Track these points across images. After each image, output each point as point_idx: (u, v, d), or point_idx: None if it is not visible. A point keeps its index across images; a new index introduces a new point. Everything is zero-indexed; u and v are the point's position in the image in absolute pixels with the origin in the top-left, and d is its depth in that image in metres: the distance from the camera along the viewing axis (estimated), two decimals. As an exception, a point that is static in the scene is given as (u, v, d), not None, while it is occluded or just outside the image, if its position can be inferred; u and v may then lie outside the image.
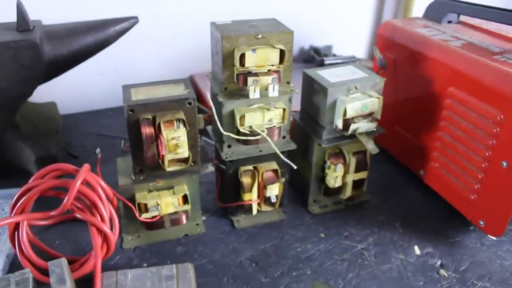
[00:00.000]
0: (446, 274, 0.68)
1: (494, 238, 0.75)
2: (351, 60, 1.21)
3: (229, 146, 0.71)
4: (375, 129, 0.72)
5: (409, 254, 0.71)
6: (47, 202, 0.66)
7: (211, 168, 0.70)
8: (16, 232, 0.66)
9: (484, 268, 0.69)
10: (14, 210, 0.65)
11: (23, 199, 0.64)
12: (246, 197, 0.72)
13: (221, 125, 0.67)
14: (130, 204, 0.68)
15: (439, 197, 0.79)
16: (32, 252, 0.66)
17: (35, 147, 0.85)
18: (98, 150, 0.72)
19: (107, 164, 0.75)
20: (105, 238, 0.65)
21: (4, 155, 0.85)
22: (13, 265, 0.68)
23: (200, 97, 1.00)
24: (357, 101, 0.68)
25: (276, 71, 0.65)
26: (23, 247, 0.65)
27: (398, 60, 0.83)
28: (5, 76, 0.77)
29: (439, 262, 0.70)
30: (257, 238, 0.73)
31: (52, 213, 0.65)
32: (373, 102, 0.69)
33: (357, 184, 0.77)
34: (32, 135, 0.88)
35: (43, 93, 0.97)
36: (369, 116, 0.71)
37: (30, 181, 0.66)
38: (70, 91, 1.10)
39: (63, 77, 0.90)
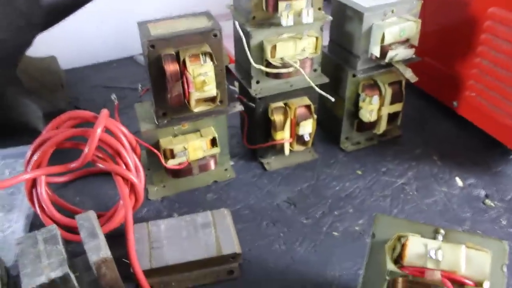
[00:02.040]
0: (492, 204, 0.65)
1: (534, 165, 0.72)
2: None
3: (258, 82, 0.65)
4: (413, 56, 0.67)
5: (452, 186, 0.68)
6: (61, 158, 0.61)
7: (239, 107, 0.65)
8: (34, 190, 0.61)
9: (529, 196, 0.66)
10: (30, 166, 0.59)
11: (38, 153, 0.59)
12: (278, 136, 0.67)
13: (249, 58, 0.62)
14: (155, 151, 0.63)
15: (473, 128, 0.75)
16: (53, 209, 0.61)
17: (42, 102, 0.79)
18: (114, 96, 0.66)
19: (121, 115, 0.69)
20: (132, 187, 0.60)
21: (6, 113, 0.79)
22: (34, 226, 0.64)
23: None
24: (395, 26, 0.63)
25: (309, -6, 0.60)
26: (43, 204, 0.61)
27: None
28: (2, 25, 0.70)
29: (483, 193, 0.67)
30: (292, 180, 0.69)
31: (73, 165, 0.59)
32: (411, 27, 0.64)
33: (391, 117, 0.72)
34: (37, 90, 0.82)
35: (41, 47, 0.91)
36: (406, 42, 0.66)
37: (43, 133, 0.60)
38: (70, 44, 1.02)
39: (61, 29, 0.83)
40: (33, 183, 0.61)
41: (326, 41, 0.73)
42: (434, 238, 0.42)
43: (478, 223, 0.62)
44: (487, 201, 0.65)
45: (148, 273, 0.54)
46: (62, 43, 0.99)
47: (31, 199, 0.61)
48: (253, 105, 0.67)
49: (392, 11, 0.64)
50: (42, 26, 0.76)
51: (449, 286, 0.39)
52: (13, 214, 0.65)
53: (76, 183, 0.71)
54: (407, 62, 0.68)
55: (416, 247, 0.41)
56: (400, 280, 0.40)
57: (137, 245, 0.57)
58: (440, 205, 0.64)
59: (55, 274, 0.47)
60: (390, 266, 0.41)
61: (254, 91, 0.65)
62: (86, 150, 0.58)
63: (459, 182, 0.68)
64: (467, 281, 0.39)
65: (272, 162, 0.72)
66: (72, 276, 0.48)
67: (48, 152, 0.60)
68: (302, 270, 0.56)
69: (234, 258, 0.56)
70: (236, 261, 0.56)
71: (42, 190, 0.61)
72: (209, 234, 0.58)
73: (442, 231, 0.43)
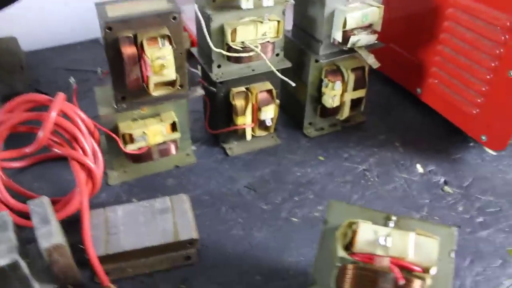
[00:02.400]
0: (451, 191, 0.65)
1: (494, 153, 0.73)
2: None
3: (219, 66, 0.64)
4: (376, 41, 0.67)
5: (412, 173, 0.68)
6: (18, 141, 0.59)
7: (200, 91, 0.64)
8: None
9: (487, 182, 0.67)
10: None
11: (-8, 135, 0.58)
12: (240, 121, 0.67)
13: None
14: (114, 135, 0.62)
15: (436, 115, 0.75)
16: (7, 194, 0.60)
17: (2, 83, 0.77)
18: (72, 79, 0.64)
19: (82, 99, 0.67)
20: (89, 173, 0.59)
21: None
22: (-13, 210, 0.62)
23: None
24: (357, 11, 0.62)
25: (271, -23, 0.59)
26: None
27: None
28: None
29: (442, 179, 0.67)
30: (253, 165, 0.69)
31: (27, 149, 0.58)
32: (374, 12, 0.64)
33: (354, 103, 0.72)
34: (-5, 71, 0.79)
35: (1, 27, 0.88)
36: (369, 28, 0.65)
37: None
38: (33, 25, 0.99)
39: (23, 9, 0.81)
40: (-13, 167, 0.59)
41: (290, 25, 0.73)
42: (385, 225, 0.42)
43: (436, 209, 0.63)
44: (446, 188, 0.66)
45: (104, 259, 0.53)
46: (24, 24, 0.96)
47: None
48: (214, 89, 0.66)
49: (355, -4, 0.63)
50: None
51: (397, 273, 0.39)
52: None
53: (34, 168, 0.69)
54: (370, 48, 0.67)
55: (366, 233, 0.41)
56: (350, 266, 0.40)
57: (94, 231, 0.56)
58: (400, 192, 0.65)
59: (4, 261, 0.46)
60: (340, 252, 0.41)
61: (215, 75, 0.64)
62: (40, 134, 0.57)
63: (419, 168, 0.69)
64: (414, 267, 0.40)
65: (234, 148, 0.72)
66: (23, 263, 0.46)
67: (2, 136, 0.59)
68: (260, 255, 0.56)
69: (191, 243, 0.55)
70: (194, 247, 0.56)
71: (-3, 174, 0.59)
72: (167, 220, 0.57)
73: (393, 218, 0.43)
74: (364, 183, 0.66)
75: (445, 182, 0.67)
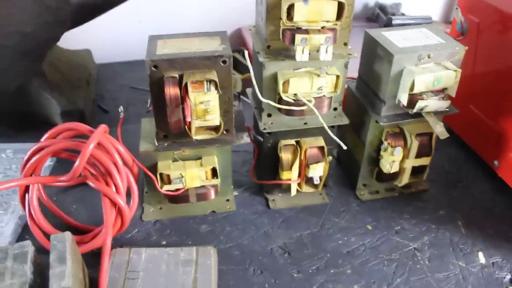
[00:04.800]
0: (517, 291, 0.56)
1: None
2: (425, 22, 1.05)
3: (269, 115, 0.60)
4: (447, 109, 0.59)
5: (472, 262, 0.59)
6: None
7: (246, 139, 0.60)
8: (26, 195, 0.60)
9: None
10: (24, 171, 0.58)
11: (34, 159, 0.57)
12: (285, 175, 0.62)
13: (261, 90, 0.57)
14: (150, 174, 0.60)
15: (513, 195, 0.66)
16: (42, 217, 0.59)
17: (61, 99, 0.78)
18: (121, 109, 0.63)
19: (137, 122, 0.65)
20: (119, 211, 0.57)
21: (29, 105, 0.79)
22: (27, 227, 0.62)
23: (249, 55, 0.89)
24: (429, 73, 0.55)
25: (332, 29, 0.53)
26: (32, 212, 0.59)
27: (483, 24, 0.68)
28: (29, 19, 0.69)
29: (508, 277, 0.58)
30: (294, 223, 0.64)
31: (62, 178, 0.57)
32: (449, 76, 0.56)
33: (416, 170, 0.65)
34: (60, 85, 0.81)
35: (77, 39, 0.90)
36: (441, 92, 0.58)
37: (42, 139, 0.59)
38: (107, 39, 1.02)
39: (100, 23, 0.82)
40: (26, 189, 0.59)
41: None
42: None
43: (494, 314, 0.54)
44: None
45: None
46: (99, 37, 0.99)
47: (23, 203, 0.60)
48: (261, 139, 0.62)
49: (429, 56, 0.56)
50: (70, 23, 0.75)
51: None
52: (6, 215, 0.64)
53: (76, 189, 0.69)
54: (441, 114, 0.60)
55: None
56: None
57: (113, 272, 0.55)
58: (453, 283, 0.56)
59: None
60: None
61: (264, 124, 0.60)
62: (75, 164, 0.56)
63: (481, 258, 0.60)
64: None
65: (277, 200, 0.67)
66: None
67: (44, 160, 0.59)
68: (279, 331, 0.51)
69: (206, 307, 0.52)
70: (209, 311, 0.52)
71: (33, 197, 0.59)
72: (188, 274, 0.54)
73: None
74: (412, 265, 0.58)
75: (511, 281, 0.57)
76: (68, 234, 0.51)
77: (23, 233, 0.62)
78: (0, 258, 0.48)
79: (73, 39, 0.84)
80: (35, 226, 0.59)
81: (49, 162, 0.72)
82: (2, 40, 0.70)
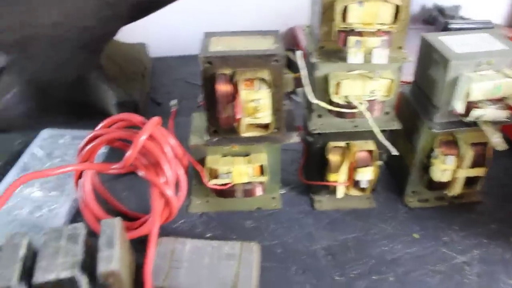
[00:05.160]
0: None
1: None
2: (486, 26, 1.01)
3: (319, 116, 0.60)
4: (507, 120, 0.57)
5: (525, 281, 0.57)
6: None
7: (296, 138, 0.60)
8: (80, 180, 0.62)
9: None
10: (80, 157, 0.61)
11: (89, 146, 0.60)
12: (332, 177, 0.61)
13: (312, 90, 0.56)
14: (198, 168, 0.61)
15: None
16: (93, 202, 0.62)
17: (118, 90, 0.81)
18: (174, 102, 0.65)
19: (188, 115, 0.67)
20: (167, 202, 0.58)
21: (87, 95, 0.82)
22: (78, 213, 0.64)
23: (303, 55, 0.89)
24: (488, 81, 0.53)
25: (387, 32, 0.52)
26: (85, 196, 0.62)
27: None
28: (89, 14, 0.72)
29: (563, 298, 0.55)
30: (339, 226, 0.63)
31: (115, 166, 0.59)
32: (509, 85, 0.54)
33: (470, 181, 0.62)
34: (116, 77, 0.84)
35: (133, 33, 0.93)
36: (500, 101, 0.55)
37: (97, 128, 0.61)
38: (163, 33, 1.04)
39: (156, 17, 0.84)
40: (81, 173, 0.62)
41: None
42: None
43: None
44: None
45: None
46: (155, 31, 1.01)
47: (77, 188, 0.63)
48: (311, 139, 0.61)
49: (489, 63, 0.54)
50: (127, 18, 0.77)
51: None
52: (62, 197, 0.67)
53: (126, 178, 0.71)
54: (500, 124, 0.57)
55: None
56: None
57: (158, 259, 0.56)
58: (503, 302, 0.54)
59: (64, 274, 0.47)
60: None
61: (314, 125, 0.60)
62: (127, 154, 0.57)
63: (536, 278, 0.57)
64: None
65: (323, 201, 0.66)
66: (81, 280, 0.47)
67: (98, 148, 0.61)
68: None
69: (247, 301, 0.52)
70: (249, 305, 0.53)
71: (86, 183, 0.62)
72: (230, 268, 0.55)
73: None
74: (459, 280, 0.56)
75: None
76: (118, 220, 0.53)
77: (77, 215, 0.65)
78: (55, 237, 0.51)
79: (129, 33, 0.87)
80: (86, 210, 0.62)
81: (103, 150, 0.74)
82: (65, 34, 0.73)
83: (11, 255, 0.48)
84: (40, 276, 0.47)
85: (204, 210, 0.66)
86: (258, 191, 0.63)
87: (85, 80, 0.80)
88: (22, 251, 0.48)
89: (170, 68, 1.00)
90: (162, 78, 0.97)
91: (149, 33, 1.00)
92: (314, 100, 0.56)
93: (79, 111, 0.83)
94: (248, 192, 0.63)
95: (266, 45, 0.55)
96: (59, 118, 0.83)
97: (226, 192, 0.62)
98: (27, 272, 0.48)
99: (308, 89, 0.56)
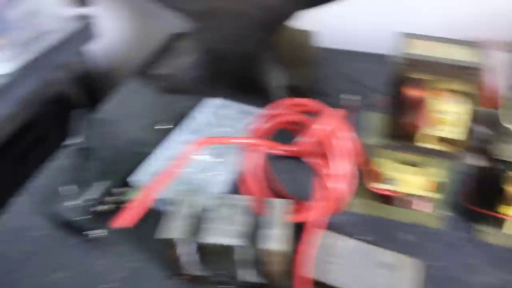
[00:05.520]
0: None
1: None
2: None
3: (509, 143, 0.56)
4: None
5: None
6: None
7: (481, 162, 0.57)
8: (250, 154, 0.64)
9: None
10: (254, 132, 0.63)
11: (267, 124, 0.63)
12: (505, 210, 0.57)
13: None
14: (363, 167, 0.60)
15: None
16: (257, 179, 0.63)
17: (288, 73, 0.83)
18: (358, 98, 0.64)
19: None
20: (331, 195, 0.58)
21: (257, 74, 0.85)
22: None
23: None
24: None
25: None
26: (250, 171, 0.64)
27: None
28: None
29: None
30: (504, 264, 0.58)
31: (283, 147, 0.61)
32: None
33: None
34: (287, 60, 0.86)
35: (306, 20, 0.92)
36: None
37: (275, 108, 0.62)
38: (335, 24, 1.03)
39: (333, 7, 0.84)
40: (250, 148, 0.64)
41: None
42: None
43: None
44: None
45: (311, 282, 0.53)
46: (328, 21, 0.99)
47: (243, 160, 0.64)
48: (502, 166, 0.57)
49: None
50: (310, 3, 0.78)
51: None
52: (225, 166, 0.69)
53: (289, 160, 0.69)
54: None
55: None
56: None
57: (317, 251, 0.56)
58: None
59: (230, 241, 0.50)
60: None
61: (505, 151, 0.55)
62: (300, 140, 0.58)
63: None
64: None
65: (489, 233, 0.61)
66: (249, 250, 0.50)
67: (276, 127, 0.63)
68: None
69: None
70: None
71: (252, 158, 0.64)
72: (385, 278, 0.53)
73: None
74: None
75: None
76: (287, 202, 0.54)
77: (232, 187, 0.66)
78: (228, 204, 0.54)
79: (301, 19, 0.87)
80: (248, 185, 0.63)
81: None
82: (248, 10, 0.76)
83: (180, 212, 0.52)
84: (209, 238, 0.50)
85: (365, 212, 0.64)
86: (426, 207, 0.61)
87: (258, 59, 0.83)
88: (193, 209, 0.53)
89: (336, 61, 0.99)
90: (326, 69, 0.96)
91: (321, 22, 1.00)
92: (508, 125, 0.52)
93: (245, 87, 0.86)
94: (415, 205, 0.61)
95: (465, 56, 0.52)
96: (226, 90, 0.86)
97: (390, 199, 0.61)
98: (194, 230, 0.51)
99: (503, 112, 0.52)
